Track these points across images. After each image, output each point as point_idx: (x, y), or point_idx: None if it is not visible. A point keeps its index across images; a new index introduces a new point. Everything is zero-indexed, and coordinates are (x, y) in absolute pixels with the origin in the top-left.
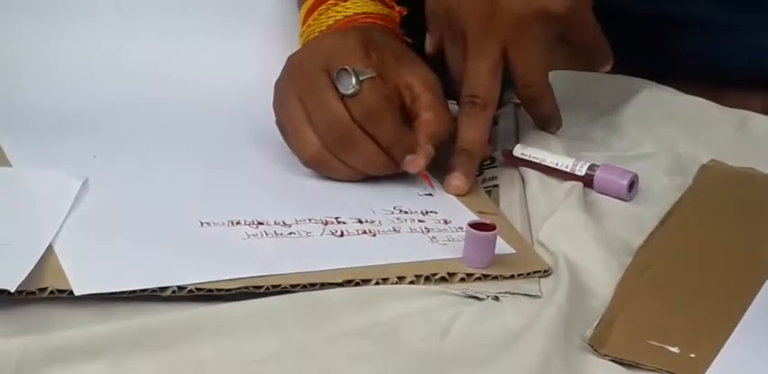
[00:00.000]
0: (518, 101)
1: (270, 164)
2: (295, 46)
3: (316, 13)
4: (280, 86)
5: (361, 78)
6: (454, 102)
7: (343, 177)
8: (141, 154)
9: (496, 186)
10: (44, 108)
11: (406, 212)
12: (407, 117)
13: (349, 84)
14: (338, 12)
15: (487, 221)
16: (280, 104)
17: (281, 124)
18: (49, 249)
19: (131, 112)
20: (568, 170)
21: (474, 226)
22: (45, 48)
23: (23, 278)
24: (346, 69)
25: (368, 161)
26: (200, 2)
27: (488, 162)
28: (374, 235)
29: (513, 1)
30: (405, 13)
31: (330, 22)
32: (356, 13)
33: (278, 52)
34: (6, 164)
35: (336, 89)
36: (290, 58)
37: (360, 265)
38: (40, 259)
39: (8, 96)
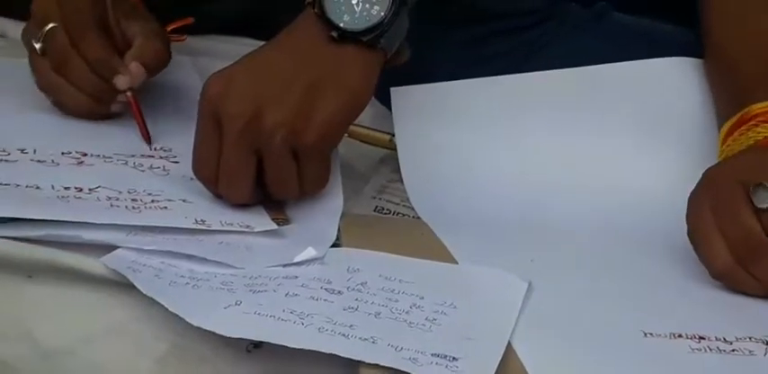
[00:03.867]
0: None
1: (699, 276)
2: (708, 164)
3: (736, 133)
4: (694, 198)
5: None
6: None
7: (752, 292)
8: (576, 259)
9: None
10: (484, 208)
11: None
12: None
13: (765, 199)
14: (758, 132)
15: None
16: (692, 215)
17: (691, 235)
18: (508, 346)
19: (562, 219)
20: None
21: None
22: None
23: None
24: (764, 184)
25: None
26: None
27: None
28: None
29: None
30: None
31: (750, 142)
32: None
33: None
34: (452, 260)
35: (751, 203)
36: (706, 172)
37: None
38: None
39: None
